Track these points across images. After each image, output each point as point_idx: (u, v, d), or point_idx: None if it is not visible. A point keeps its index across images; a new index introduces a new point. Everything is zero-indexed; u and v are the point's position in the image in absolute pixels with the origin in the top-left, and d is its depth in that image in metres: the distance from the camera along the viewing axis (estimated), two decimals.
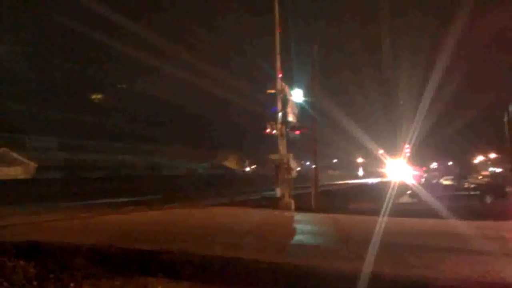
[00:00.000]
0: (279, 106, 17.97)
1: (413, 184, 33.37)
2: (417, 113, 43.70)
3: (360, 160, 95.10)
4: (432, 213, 16.69)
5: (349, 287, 5.71)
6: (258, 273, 6.45)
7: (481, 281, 5.52)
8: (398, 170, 46.48)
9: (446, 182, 31.54)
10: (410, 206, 25.44)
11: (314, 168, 25.72)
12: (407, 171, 45.99)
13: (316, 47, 24.68)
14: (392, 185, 29.92)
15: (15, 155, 51.31)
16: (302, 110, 19.80)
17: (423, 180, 44.69)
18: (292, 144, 18.79)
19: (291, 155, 17.72)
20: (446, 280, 5.58)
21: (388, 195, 23.77)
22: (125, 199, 27.30)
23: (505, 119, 37.39)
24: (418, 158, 71.34)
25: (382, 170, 66.00)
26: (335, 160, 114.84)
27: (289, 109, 18.16)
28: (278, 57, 17.98)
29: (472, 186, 30.49)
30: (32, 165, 50.71)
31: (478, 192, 29.18)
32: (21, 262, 7.38)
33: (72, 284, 6.54)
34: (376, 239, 8.56)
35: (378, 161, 59.01)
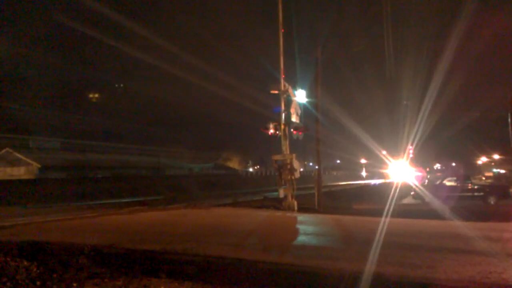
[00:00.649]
0: (282, 106, 17.97)
1: (415, 185, 33.31)
2: (420, 114, 43.66)
3: (363, 161, 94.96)
4: (435, 214, 16.69)
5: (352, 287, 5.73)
6: (260, 274, 6.46)
7: (484, 282, 5.51)
8: (400, 171, 46.42)
9: (449, 183, 31.46)
10: (413, 207, 25.41)
11: (317, 168, 25.71)
12: (410, 172, 45.93)
13: (320, 48, 24.69)
14: (394, 186, 29.89)
15: (18, 155, 51.45)
16: (305, 111, 19.80)
17: (426, 181, 44.60)
18: (295, 145, 18.80)
19: (294, 155, 17.71)
20: (449, 281, 5.58)
21: (391, 196, 23.76)
22: (128, 199, 27.38)
23: (509, 119, 37.27)
24: (421, 159, 71.34)
25: (384, 171, 65.92)
26: (338, 161, 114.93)
27: (292, 110, 18.16)
28: (281, 58, 17.95)
29: (476, 187, 30.42)
30: (35, 165, 50.86)
31: (481, 193, 29.12)
32: (24, 262, 7.39)
33: (75, 284, 6.55)
34: (379, 240, 8.56)
35: (381, 162, 58.92)
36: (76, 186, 36.30)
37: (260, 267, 6.59)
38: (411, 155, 49.76)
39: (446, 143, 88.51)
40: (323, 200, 23.33)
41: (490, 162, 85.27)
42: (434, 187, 32.38)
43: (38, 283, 6.60)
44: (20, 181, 40.52)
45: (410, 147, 47.68)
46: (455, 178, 32.02)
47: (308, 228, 11.96)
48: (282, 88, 17.82)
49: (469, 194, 29.29)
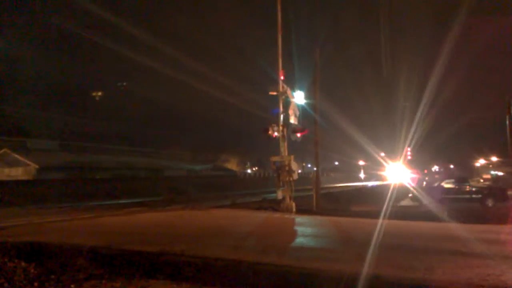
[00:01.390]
0: (281, 108, 17.97)
1: (412, 187, 33.37)
2: (417, 116, 43.75)
3: (361, 162, 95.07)
4: (433, 216, 16.71)
5: None
6: (259, 275, 6.46)
7: (482, 284, 5.52)
8: (398, 173, 46.49)
9: (447, 185, 31.50)
10: (411, 209, 25.42)
11: (316, 170, 25.74)
12: (407, 174, 46.01)
13: (318, 50, 24.75)
14: (392, 188, 29.92)
15: (16, 156, 51.39)
16: (303, 113, 19.82)
17: (424, 183, 44.67)
18: (293, 147, 18.81)
19: (292, 157, 17.71)
20: (447, 283, 5.58)
21: (389, 198, 23.79)
22: (127, 201, 27.36)
23: (507, 122, 37.34)
24: (419, 161, 71.41)
25: (381, 173, 65.98)
26: (336, 163, 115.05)
27: (290, 111, 18.17)
28: (279, 60, 17.96)
29: (474, 189, 30.44)
30: (33, 166, 50.77)
31: (479, 196, 29.15)
32: (22, 263, 7.40)
33: (73, 285, 6.55)
34: (377, 242, 8.57)
35: (378, 164, 59.00)
36: (75, 187, 36.27)
37: (259, 268, 6.59)
38: (409, 157, 49.84)
39: (443, 145, 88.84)
40: (321, 201, 23.37)
41: (488, 164, 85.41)
42: (432, 189, 32.43)
43: (36, 284, 6.61)
44: (18, 181, 40.48)
45: (409, 149, 47.75)
46: (453, 180, 32.08)
47: (306, 229, 11.97)
48: (281, 89, 17.83)
49: (467, 196, 29.33)
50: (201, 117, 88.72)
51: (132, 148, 64.37)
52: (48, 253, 7.94)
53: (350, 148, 71.26)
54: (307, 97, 20.53)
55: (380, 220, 13.18)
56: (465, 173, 58.55)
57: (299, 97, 19.31)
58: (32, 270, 7.13)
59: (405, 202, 32.05)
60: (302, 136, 18.72)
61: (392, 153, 50.65)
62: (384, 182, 55.83)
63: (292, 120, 18.25)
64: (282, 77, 17.85)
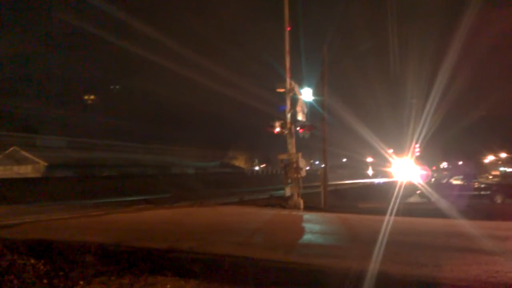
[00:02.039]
0: (288, 105, 17.95)
1: (420, 184, 33.24)
2: (425, 112, 43.53)
3: (369, 159, 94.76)
4: (441, 213, 16.64)
5: (359, 286, 5.72)
6: (266, 272, 6.46)
7: (490, 281, 5.49)
8: (405, 169, 46.24)
9: (456, 182, 31.38)
10: (419, 206, 25.34)
11: (323, 167, 25.71)
12: (415, 171, 45.76)
13: (326, 47, 24.70)
14: (399, 185, 29.82)
15: (25, 153, 51.68)
16: (311, 110, 19.78)
17: (433, 179, 44.47)
18: (301, 143, 18.78)
19: (300, 154, 17.69)
20: (455, 280, 5.56)
21: (397, 195, 23.71)
22: (135, 198, 27.44)
23: None
24: (427, 158, 71.08)
25: (388, 169, 65.66)
26: (344, 159, 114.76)
27: (298, 108, 18.14)
28: (287, 56, 17.90)
29: (482, 186, 30.31)
30: (42, 163, 51.02)
31: (488, 192, 29.01)
32: (32, 260, 7.44)
33: (81, 282, 6.58)
34: (385, 238, 8.55)
35: (386, 161, 58.74)
36: (83, 184, 36.43)
37: (266, 265, 6.59)
38: (417, 153, 49.59)
39: (452, 141, 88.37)
40: (329, 198, 23.33)
41: (497, 160, 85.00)
42: (440, 185, 32.31)
43: (45, 281, 6.65)
44: (27, 179, 40.68)
45: (417, 145, 47.50)
46: (461, 177, 31.94)
47: (314, 226, 11.96)
48: (288, 86, 17.80)
49: (476, 193, 29.20)
50: (209, 114, 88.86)
51: (140, 145, 64.54)
52: (57, 250, 7.98)
53: (358, 145, 70.99)
54: (315, 94, 20.48)
55: (388, 217, 13.14)
56: (474, 170, 58.25)
57: (307, 94, 19.26)
58: (42, 267, 7.17)
59: (413, 199, 31.99)
60: (310, 133, 18.69)
61: (400, 150, 50.41)
62: (391, 179, 55.50)
63: (300, 117, 18.22)
64: (289, 74, 17.81)
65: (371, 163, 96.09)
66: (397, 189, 26.83)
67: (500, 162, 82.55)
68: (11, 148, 51.97)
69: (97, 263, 7.38)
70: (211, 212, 15.90)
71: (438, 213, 16.89)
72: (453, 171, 69.25)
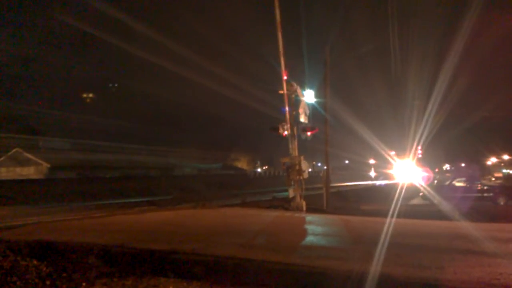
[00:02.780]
0: (286, 106, 17.87)
1: (422, 186, 33.23)
2: (427, 113, 43.45)
3: (372, 161, 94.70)
4: (444, 215, 16.62)
5: None
6: (269, 274, 6.47)
7: (494, 283, 5.49)
8: (407, 171, 46.14)
9: (458, 184, 31.39)
10: (422, 208, 25.33)
11: (326, 169, 25.70)
12: (416, 173, 45.67)
13: (328, 48, 24.70)
14: (401, 187, 29.81)
15: (28, 155, 51.79)
16: (314, 112, 19.76)
17: (435, 181, 44.43)
18: (304, 145, 18.77)
19: (302, 157, 17.66)
20: (458, 282, 5.56)
21: (399, 197, 23.71)
22: (137, 199, 27.51)
23: None
24: (429, 159, 70.93)
25: (389, 171, 65.53)
26: (347, 161, 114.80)
27: (300, 110, 18.13)
28: (282, 59, 17.57)
29: (485, 188, 30.29)
30: (45, 165, 51.13)
31: (491, 194, 29.00)
32: (34, 262, 7.46)
33: (84, 284, 6.59)
34: (387, 240, 8.54)
35: (388, 163, 58.66)
36: (85, 186, 36.52)
37: (269, 267, 6.59)
38: (419, 155, 49.51)
39: (454, 143, 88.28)
40: (332, 200, 23.33)
41: (500, 162, 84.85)
42: (443, 187, 32.29)
43: (47, 282, 6.66)
44: (30, 180, 40.79)
45: (419, 147, 47.42)
46: (464, 179, 31.93)
47: (316, 228, 11.95)
48: (285, 89, 17.67)
49: (479, 194, 29.18)
50: (211, 115, 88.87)
51: (142, 147, 64.61)
52: (59, 251, 8.00)
53: (360, 146, 70.99)
54: (317, 95, 20.47)
55: (390, 219, 13.13)
56: (477, 172, 58.15)
57: (309, 96, 19.25)
58: (44, 269, 7.19)
59: (416, 201, 31.96)
60: (313, 135, 18.68)
61: (401, 151, 50.32)
62: (393, 181, 55.43)
63: (303, 118, 18.21)
64: (285, 77, 17.69)
65: (374, 165, 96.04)
66: (398, 191, 26.82)
67: (502, 164, 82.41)
68: (14, 150, 52.09)
69: (99, 265, 7.39)
70: (214, 214, 15.90)
71: (440, 215, 16.88)
72: (456, 173, 69.15)
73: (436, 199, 27.75)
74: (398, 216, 15.64)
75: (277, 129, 17.73)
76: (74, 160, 53.30)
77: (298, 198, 17.57)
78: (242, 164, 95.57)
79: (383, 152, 47.78)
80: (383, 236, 9.05)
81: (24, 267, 7.19)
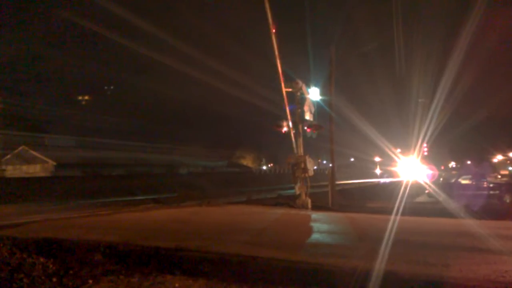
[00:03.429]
0: (287, 107, 17.82)
1: (427, 184, 33.17)
2: (431, 111, 43.35)
3: (377, 159, 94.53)
4: (449, 213, 16.59)
5: (366, 285, 5.72)
6: (274, 271, 6.47)
7: (500, 280, 5.47)
8: (412, 169, 46.04)
9: (464, 181, 31.28)
10: (427, 205, 25.29)
11: (331, 167, 25.70)
12: (422, 170, 45.58)
13: (334, 46, 24.69)
14: (405, 184, 29.77)
15: (34, 153, 51.98)
16: (319, 110, 19.75)
17: (441, 179, 44.33)
18: (309, 143, 18.76)
19: (307, 156, 17.65)
20: (464, 279, 5.55)
21: (405, 194, 23.67)
22: (142, 197, 27.58)
23: None
24: (434, 157, 70.77)
25: (393, 169, 65.37)
26: (352, 159, 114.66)
27: (306, 108, 18.13)
28: (278, 60, 16.95)
29: (491, 185, 30.19)
30: (51, 163, 51.31)
31: (497, 192, 28.90)
32: (41, 259, 7.48)
33: (90, 281, 6.62)
34: (393, 238, 8.54)
35: (393, 160, 58.52)
36: (91, 183, 36.63)
37: (274, 264, 6.60)
38: (425, 153, 49.39)
39: (460, 140, 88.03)
40: (337, 198, 23.32)
41: (506, 160, 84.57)
42: (449, 185, 32.22)
43: (54, 279, 6.68)
44: (36, 178, 40.95)
45: (425, 144, 47.32)
46: (470, 176, 31.84)
47: (322, 226, 11.95)
48: (283, 89, 17.57)
49: (485, 192, 29.10)
50: (216, 113, 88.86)
51: (148, 144, 64.70)
52: (66, 249, 8.02)
53: (365, 144, 70.84)
54: (322, 93, 20.44)
55: (395, 217, 13.12)
56: (483, 169, 57.94)
57: (314, 93, 19.24)
58: (51, 266, 7.21)
59: (421, 199, 31.92)
60: (318, 133, 18.66)
61: (406, 149, 50.19)
62: (397, 179, 55.27)
63: (308, 116, 18.20)
64: (282, 78, 17.50)
65: (379, 163, 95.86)
66: (403, 188, 26.78)
67: (509, 162, 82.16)
68: (20, 148, 52.26)
69: (105, 262, 7.41)
70: (219, 211, 15.91)
71: (446, 212, 16.86)
72: (462, 170, 69.00)
73: (442, 196, 27.70)
74: (403, 213, 15.62)
75: (281, 127, 17.72)
76: (80, 157, 53.45)
77: (303, 196, 17.57)
78: (247, 161, 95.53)
79: (388, 150, 47.74)
80: (388, 233, 9.05)
81: (30, 264, 7.22)
